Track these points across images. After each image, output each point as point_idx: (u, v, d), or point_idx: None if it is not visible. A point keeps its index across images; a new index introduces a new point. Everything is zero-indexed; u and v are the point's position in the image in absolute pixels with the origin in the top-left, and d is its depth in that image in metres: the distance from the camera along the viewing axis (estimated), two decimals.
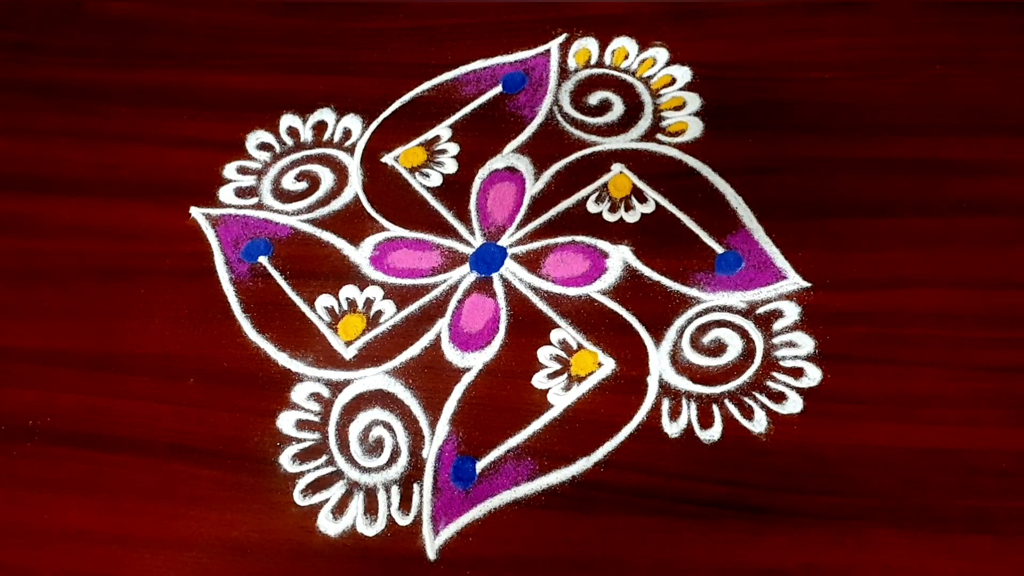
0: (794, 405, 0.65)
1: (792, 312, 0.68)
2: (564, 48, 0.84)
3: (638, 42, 0.83)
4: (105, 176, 0.80)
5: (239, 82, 0.85)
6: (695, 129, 0.78)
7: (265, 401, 0.68)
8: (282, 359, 0.70)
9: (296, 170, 0.80)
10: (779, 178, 0.74)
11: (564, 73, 0.82)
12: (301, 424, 0.67)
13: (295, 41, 0.87)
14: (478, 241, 0.74)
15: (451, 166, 0.79)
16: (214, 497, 0.65)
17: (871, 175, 0.74)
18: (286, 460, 0.66)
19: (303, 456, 0.66)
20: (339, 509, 0.64)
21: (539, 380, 0.67)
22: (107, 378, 0.70)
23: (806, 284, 0.69)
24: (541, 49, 0.84)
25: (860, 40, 0.81)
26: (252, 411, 0.68)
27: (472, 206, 0.76)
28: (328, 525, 0.64)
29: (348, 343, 0.71)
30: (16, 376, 0.71)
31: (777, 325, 0.68)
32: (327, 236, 0.76)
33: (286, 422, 0.67)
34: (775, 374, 0.66)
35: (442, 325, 0.71)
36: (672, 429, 0.65)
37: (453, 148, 0.79)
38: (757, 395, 0.65)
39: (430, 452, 0.66)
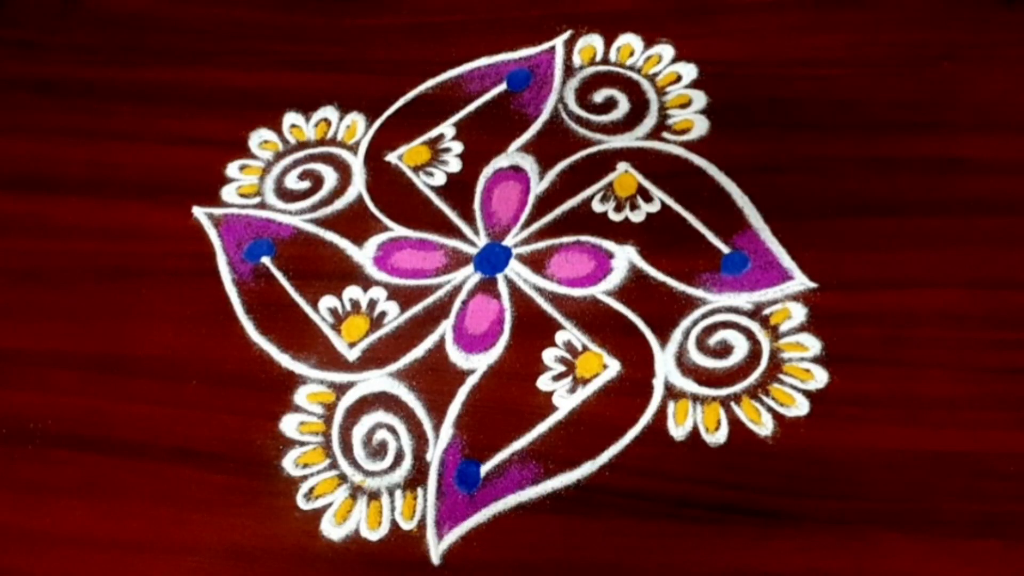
0: (800, 408, 0.64)
1: (799, 313, 0.67)
2: (569, 45, 0.83)
3: (643, 39, 0.82)
4: (107, 175, 0.80)
5: (242, 80, 0.84)
6: (701, 127, 0.77)
7: (268, 403, 0.68)
8: (285, 361, 0.70)
9: (299, 169, 0.79)
10: (786, 177, 0.74)
11: (569, 70, 0.82)
12: (304, 427, 0.67)
13: (298, 38, 0.86)
14: (482, 241, 0.74)
15: (455, 165, 0.78)
16: (216, 501, 0.64)
17: (879, 174, 0.73)
18: (289, 463, 0.66)
19: (306, 459, 0.66)
20: (342, 513, 0.64)
21: (544, 382, 0.67)
22: (108, 380, 0.70)
23: (813, 285, 0.68)
24: (546, 46, 0.83)
25: (867, 36, 0.80)
26: (255, 414, 0.68)
27: (476, 205, 0.76)
28: (331, 530, 0.63)
29: (352, 345, 0.70)
30: (16, 378, 0.71)
31: (784, 326, 0.67)
32: (330, 236, 0.75)
33: (289, 425, 0.67)
34: (782, 376, 0.65)
35: (446, 327, 0.70)
36: (678, 432, 0.64)
37: (457, 147, 0.79)
38: (763, 397, 0.65)
39: (434, 455, 0.65)
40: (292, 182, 0.79)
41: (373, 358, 0.69)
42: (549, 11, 0.85)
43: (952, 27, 0.80)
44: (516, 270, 0.72)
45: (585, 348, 0.68)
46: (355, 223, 0.76)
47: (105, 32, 0.88)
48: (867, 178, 0.73)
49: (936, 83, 0.77)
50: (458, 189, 0.77)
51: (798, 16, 0.82)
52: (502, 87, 0.82)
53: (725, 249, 0.71)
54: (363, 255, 0.74)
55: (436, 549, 0.62)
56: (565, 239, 0.73)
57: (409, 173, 0.78)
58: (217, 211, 0.77)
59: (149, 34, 0.87)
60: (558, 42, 0.83)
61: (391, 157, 0.79)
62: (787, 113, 0.77)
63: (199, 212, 0.77)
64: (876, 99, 0.77)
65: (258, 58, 0.86)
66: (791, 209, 0.72)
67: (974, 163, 0.73)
